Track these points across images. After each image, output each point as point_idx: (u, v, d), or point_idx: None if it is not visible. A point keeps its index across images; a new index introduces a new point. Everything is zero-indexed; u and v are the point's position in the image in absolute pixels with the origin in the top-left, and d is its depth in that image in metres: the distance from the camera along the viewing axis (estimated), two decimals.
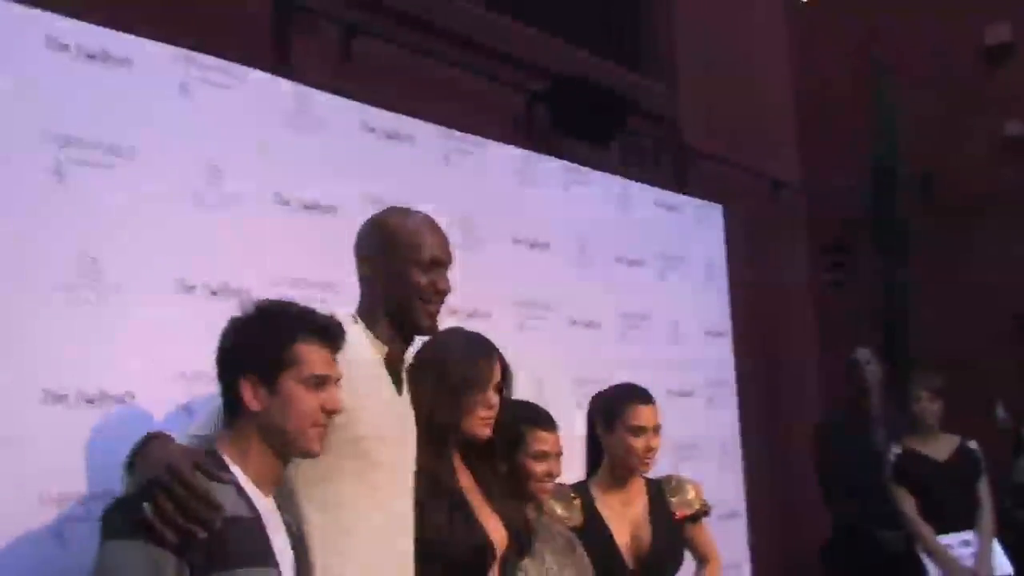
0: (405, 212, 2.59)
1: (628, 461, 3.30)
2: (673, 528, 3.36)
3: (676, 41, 6.54)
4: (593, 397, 3.49)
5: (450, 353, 2.70)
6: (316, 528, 2.30)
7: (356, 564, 2.34)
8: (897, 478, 5.06)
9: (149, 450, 2.09)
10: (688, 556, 3.51)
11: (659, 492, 3.40)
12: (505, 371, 2.80)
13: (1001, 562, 4.96)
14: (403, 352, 2.55)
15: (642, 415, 3.30)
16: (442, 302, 2.53)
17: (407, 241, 2.49)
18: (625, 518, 3.31)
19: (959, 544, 4.97)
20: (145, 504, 1.90)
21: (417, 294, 2.48)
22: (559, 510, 3.23)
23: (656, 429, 3.31)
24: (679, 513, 3.39)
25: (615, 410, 3.31)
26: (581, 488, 3.35)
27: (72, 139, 2.69)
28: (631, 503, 3.34)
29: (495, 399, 2.72)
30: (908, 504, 5.02)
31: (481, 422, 2.69)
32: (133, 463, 2.11)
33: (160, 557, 1.89)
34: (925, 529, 4.98)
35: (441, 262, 2.52)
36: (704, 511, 3.47)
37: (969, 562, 4.92)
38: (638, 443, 3.28)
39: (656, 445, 3.31)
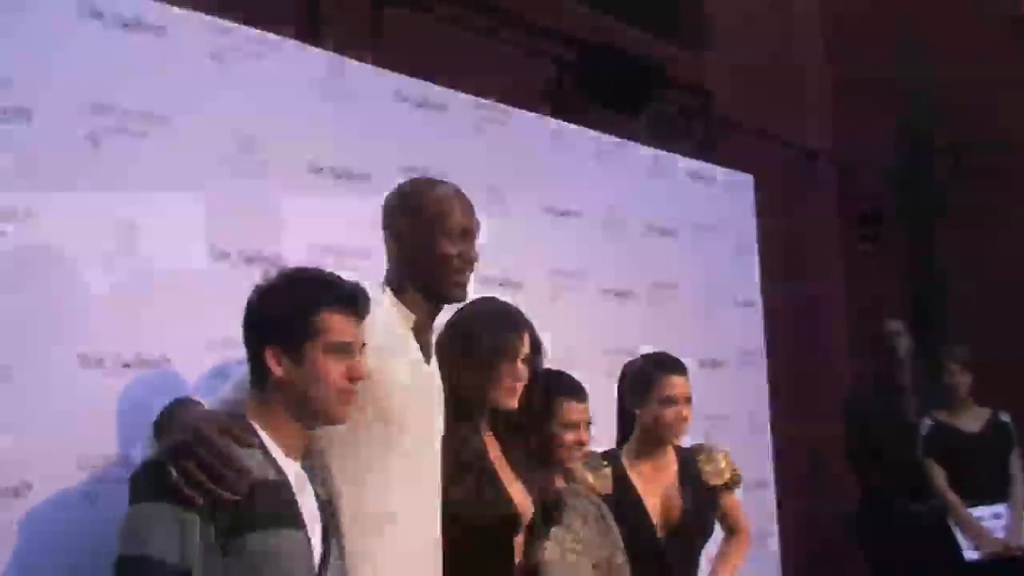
0: (431, 182, 2.60)
1: (659, 431, 3.31)
2: (703, 497, 3.36)
3: (708, 10, 6.48)
4: (625, 366, 3.49)
5: (479, 324, 2.71)
6: (344, 495, 2.32)
7: (384, 525, 2.36)
8: (928, 451, 5.08)
9: (175, 414, 2.12)
10: (717, 526, 3.52)
11: (690, 461, 3.40)
12: (535, 344, 2.81)
13: None
14: (431, 321, 2.56)
15: (674, 385, 3.30)
16: (471, 271, 2.54)
17: (435, 211, 2.50)
18: (656, 487, 3.32)
19: (990, 516, 5.02)
20: (171, 468, 1.93)
21: (446, 264, 2.49)
22: (590, 478, 3.23)
23: (687, 399, 3.31)
24: (710, 482, 3.40)
25: (647, 380, 3.31)
26: (612, 456, 3.36)
27: (106, 107, 2.71)
28: (662, 472, 3.35)
29: (523, 371, 2.73)
30: (939, 476, 5.03)
31: (507, 393, 2.70)
32: (160, 427, 2.14)
33: (187, 518, 1.92)
34: (956, 500, 4.99)
35: (469, 231, 2.53)
36: (735, 481, 3.47)
37: (1000, 534, 4.96)
38: (669, 413, 3.28)
39: (687, 415, 3.32)
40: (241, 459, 1.99)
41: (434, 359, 2.57)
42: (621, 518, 3.15)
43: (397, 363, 2.41)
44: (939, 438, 5.10)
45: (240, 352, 2.23)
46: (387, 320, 2.42)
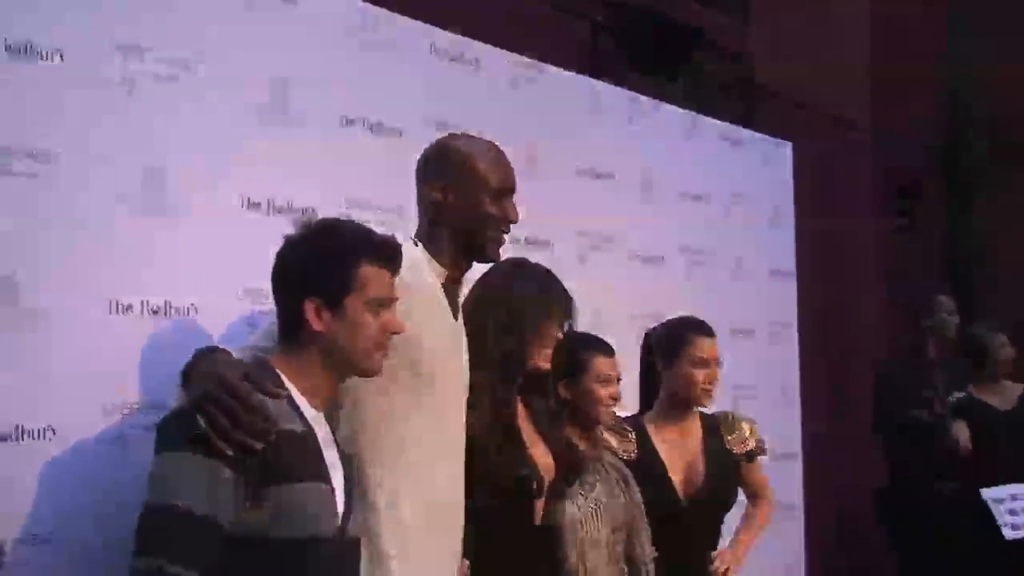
0: (472, 139, 2.58)
1: (689, 393, 3.28)
2: (727, 465, 3.35)
3: None
4: (650, 330, 3.48)
5: (521, 288, 2.73)
6: (368, 443, 2.32)
7: (408, 479, 2.36)
8: (957, 419, 5.01)
9: (202, 363, 2.10)
10: (741, 494, 3.50)
11: (715, 428, 3.39)
12: (571, 307, 2.83)
13: None
14: (461, 277, 2.55)
15: (704, 346, 3.28)
16: (508, 231, 2.52)
17: (477, 169, 2.48)
18: (680, 453, 3.31)
19: (1010, 497, 4.94)
20: (199, 417, 1.92)
21: (487, 223, 2.48)
22: (614, 443, 3.23)
23: (717, 362, 3.30)
24: (734, 450, 3.38)
25: (677, 342, 3.29)
26: (636, 421, 3.36)
27: (138, 50, 2.68)
28: (686, 438, 3.33)
29: (560, 335, 2.75)
30: (962, 432, 4.93)
31: (545, 357, 2.73)
32: (187, 376, 2.13)
33: (216, 468, 1.91)
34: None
35: (509, 190, 2.52)
36: (759, 450, 3.44)
37: (1020, 517, 4.89)
38: (699, 375, 3.26)
39: (717, 378, 3.30)
40: (266, 407, 1.98)
41: (461, 316, 2.55)
42: (644, 484, 3.16)
43: (428, 318, 2.40)
44: (969, 411, 5.04)
45: (268, 302, 2.22)
46: (419, 275, 2.41)
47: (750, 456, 3.42)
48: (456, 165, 2.49)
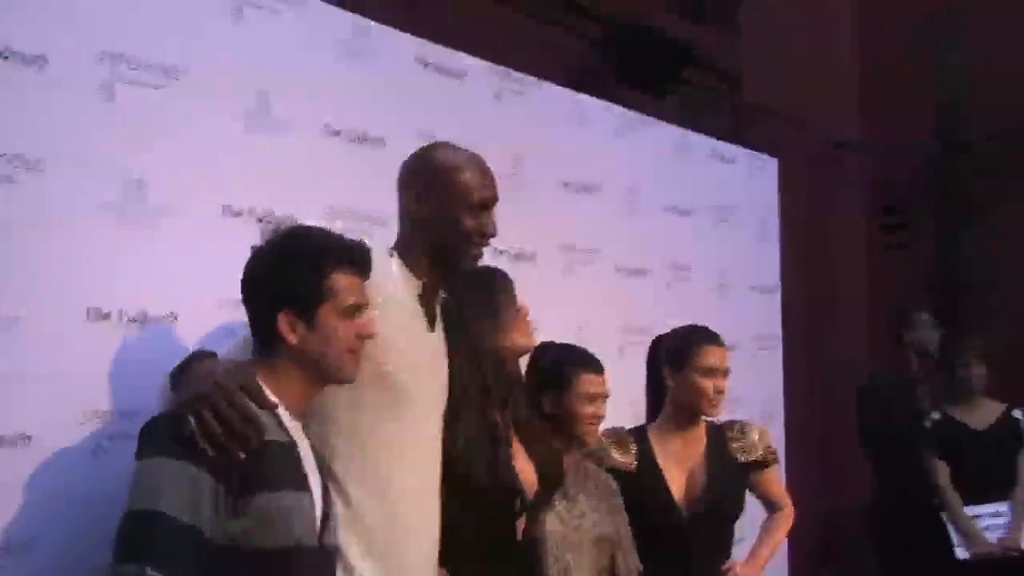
0: (454, 150, 2.54)
1: (696, 403, 3.23)
2: (731, 475, 3.29)
3: None
4: (657, 339, 3.43)
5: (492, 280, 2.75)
6: (341, 456, 2.31)
7: (376, 489, 2.34)
8: (932, 445, 4.95)
9: (196, 367, 2.09)
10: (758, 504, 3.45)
11: (720, 437, 3.33)
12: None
13: None
14: (438, 288, 2.53)
15: (714, 356, 3.22)
16: (486, 244, 2.51)
17: (457, 181, 2.46)
18: (682, 464, 3.25)
19: (989, 515, 4.86)
20: (190, 416, 1.91)
21: (466, 237, 2.46)
22: (615, 454, 3.21)
23: (725, 372, 3.24)
24: (739, 459, 3.32)
25: (685, 351, 3.24)
26: (640, 432, 3.31)
27: (122, 58, 2.67)
28: (690, 448, 3.27)
29: (526, 308, 2.76)
30: (941, 472, 4.91)
31: (524, 337, 2.74)
32: (176, 379, 2.12)
33: (200, 476, 1.90)
34: (952, 497, 4.87)
35: (489, 204, 2.50)
36: (769, 458, 3.37)
37: (999, 533, 4.82)
38: (708, 384, 3.20)
39: (725, 388, 3.24)
40: (258, 416, 1.98)
41: (439, 326, 2.54)
42: (645, 497, 3.14)
43: (398, 330, 2.38)
44: (944, 432, 4.97)
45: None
46: (393, 286, 2.39)
47: (759, 465, 3.36)
48: (434, 176, 2.46)
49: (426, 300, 2.48)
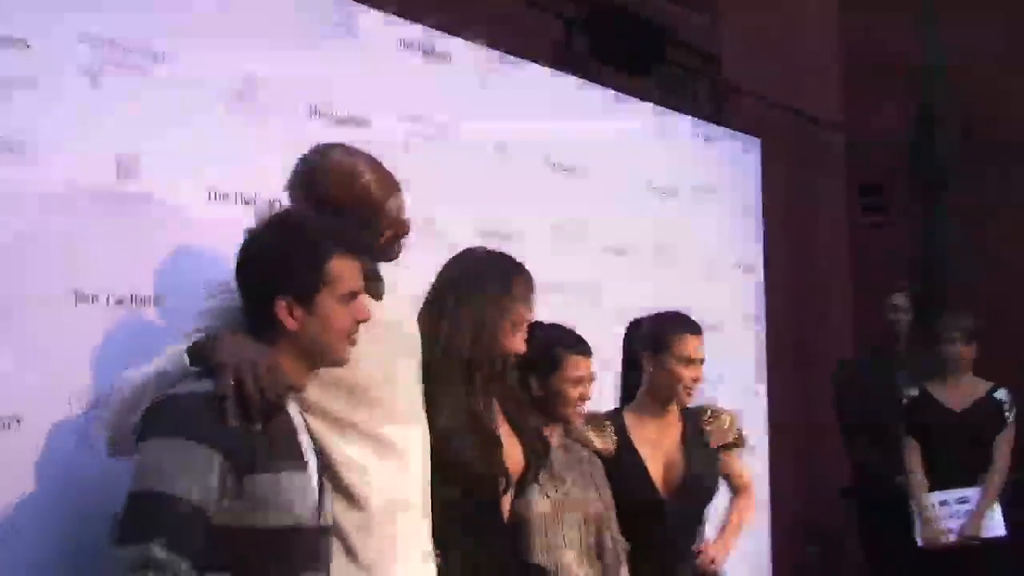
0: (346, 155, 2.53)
1: (672, 391, 3.26)
2: (707, 457, 3.34)
3: None
4: (635, 323, 3.44)
5: (487, 274, 2.71)
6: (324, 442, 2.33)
7: (349, 480, 2.37)
8: (908, 425, 4.84)
9: (224, 341, 2.05)
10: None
11: (694, 421, 3.36)
12: (532, 285, 2.79)
13: (995, 523, 4.68)
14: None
15: (692, 345, 3.24)
16: (405, 234, 2.52)
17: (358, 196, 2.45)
18: (659, 447, 3.29)
19: (955, 501, 4.71)
20: (228, 379, 1.93)
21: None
22: (592, 437, 3.22)
23: (702, 361, 3.27)
24: (713, 442, 3.36)
25: (664, 338, 3.25)
26: (615, 416, 3.34)
27: (107, 42, 2.67)
28: (665, 432, 3.31)
29: (530, 314, 2.72)
30: (912, 453, 4.80)
31: (522, 341, 2.70)
32: (194, 354, 2.05)
33: (209, 455, 1.90)
34: (916, 481, 4.76)
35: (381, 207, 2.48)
36: (739, 442, 3.43)
37: (961, 520, 4.68)
38: (686, 373, 3.23)
39: (701, 377, 3.27)
40: (287, 391, 2.03)
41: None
42: (623, 478, 3.16)
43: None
44: (920, 412, 4.83)
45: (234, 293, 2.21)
46: None
47: (729, 448, 3.41)
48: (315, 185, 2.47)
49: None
